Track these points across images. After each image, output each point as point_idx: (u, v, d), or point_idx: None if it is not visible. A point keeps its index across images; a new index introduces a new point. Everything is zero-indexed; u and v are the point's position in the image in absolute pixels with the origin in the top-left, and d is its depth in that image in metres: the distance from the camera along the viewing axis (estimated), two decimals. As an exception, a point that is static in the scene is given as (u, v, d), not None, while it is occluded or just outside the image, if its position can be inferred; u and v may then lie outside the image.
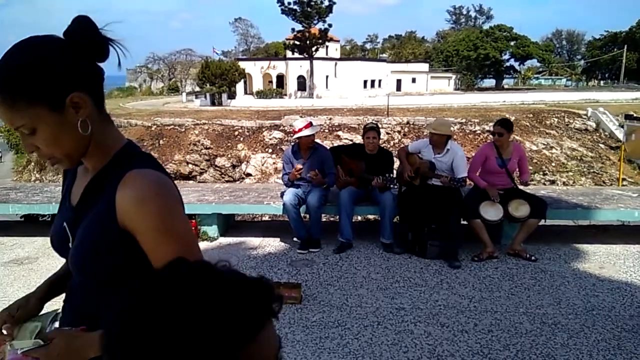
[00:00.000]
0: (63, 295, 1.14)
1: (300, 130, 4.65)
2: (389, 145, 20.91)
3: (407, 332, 3.09)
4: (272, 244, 4.90)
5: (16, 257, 4.61)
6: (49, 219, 5.71)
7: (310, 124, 4.72)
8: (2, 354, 1.01)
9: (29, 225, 5.67)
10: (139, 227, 0.96)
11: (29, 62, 0.91)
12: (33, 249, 4.82)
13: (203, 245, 4.89)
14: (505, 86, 62.16)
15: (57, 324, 1.06)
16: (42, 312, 1.10)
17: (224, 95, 38.47)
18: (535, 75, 71.62)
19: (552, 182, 21.46)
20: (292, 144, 4.96)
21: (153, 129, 26.56)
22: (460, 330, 3.11)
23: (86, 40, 0.96)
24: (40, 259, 4.55)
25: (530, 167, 20.63)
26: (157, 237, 0.97)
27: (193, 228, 4.96)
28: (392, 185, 4.65)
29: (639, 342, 2.94)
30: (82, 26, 0.96)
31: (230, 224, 5.50)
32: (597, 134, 27.67)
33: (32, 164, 32.31)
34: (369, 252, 4.61)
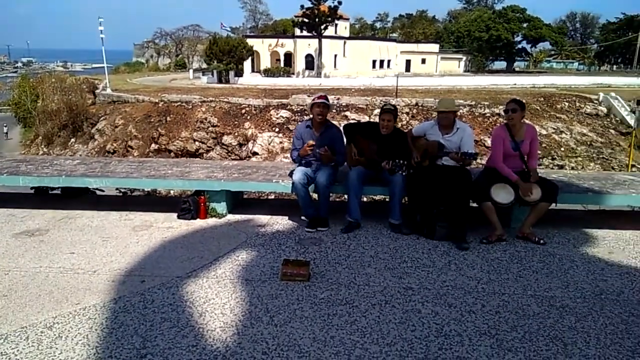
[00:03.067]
0: None
1: (315, 99, 4.79)
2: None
3: (415, 312, 3.11)
4: (280, 222, 4.91)
5: (27, 229, 4.65)
6: (59, 191, 5.75)
7: (325, 97, 4.83)
8: None
9: (39, 198, 5.71)
10: None
11: None
12: (43, 221, 4.86)
13: (212, 221, 4.91)
14: (517, 69, 61.31)
15: None
16: None
17: (231, 73, 38.25)
18: (547, 59, 70.54)
19: (561, 167, 21.33)
20: (306, 120, 4.99)
21: (160, 105, 26.50)
22: (467, 311, 3.12)
23: None
24: (51, 231, 4.59)
25: (539, 152, 20.47)
26: None
27: (202, 204, 4.97)
28: (399, 172, 4.55)
29: (647, 327, 2.95)
30: None
31: (238, 202, 5.51)
32: (608, 120, 27.36)
33: (40, 137, 32.48)
34: (377, 232, 4.62)
